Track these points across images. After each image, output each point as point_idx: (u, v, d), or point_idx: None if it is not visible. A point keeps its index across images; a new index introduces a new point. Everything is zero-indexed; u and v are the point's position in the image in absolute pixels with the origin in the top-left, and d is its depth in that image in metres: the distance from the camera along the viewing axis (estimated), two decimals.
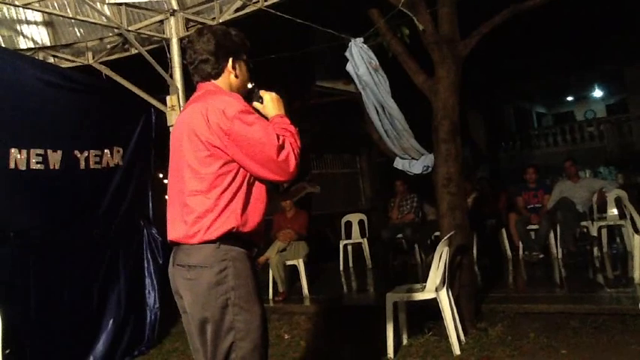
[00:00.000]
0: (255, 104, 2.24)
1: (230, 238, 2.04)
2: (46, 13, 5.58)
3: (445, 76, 4.77)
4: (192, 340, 2.14)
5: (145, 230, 5.38)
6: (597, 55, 14.33)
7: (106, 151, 4.98)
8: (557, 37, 11.39)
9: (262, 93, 2.27)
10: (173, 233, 2.13)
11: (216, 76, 2.21)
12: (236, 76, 2.24)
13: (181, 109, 4.67)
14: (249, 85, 2.31)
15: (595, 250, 7.22)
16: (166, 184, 2.24)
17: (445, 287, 4.24)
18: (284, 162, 2.03)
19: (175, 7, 5.43)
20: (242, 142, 2.02)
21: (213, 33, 2.21)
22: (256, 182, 2.12)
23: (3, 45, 5.90)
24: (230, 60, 2.21)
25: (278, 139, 2.03)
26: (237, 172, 2.07)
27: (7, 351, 3.90)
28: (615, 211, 7.37)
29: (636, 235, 5.60)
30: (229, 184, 2.05)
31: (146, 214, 5.45)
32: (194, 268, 2.05)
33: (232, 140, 2.02)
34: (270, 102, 2.25)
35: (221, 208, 2.04)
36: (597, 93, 22.32)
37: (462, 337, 4.34)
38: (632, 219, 5.91)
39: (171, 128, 3.81)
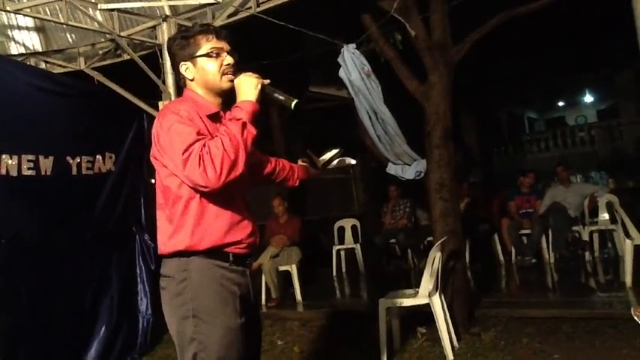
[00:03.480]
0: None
1: (185, 252, 1.99)
2: (37, 18, 5.57)
3: (437, 81, 4.79)
4: None
5: (137, 236, 5.36)
6: (589, 60, 14.43)
7: (98, 156, 4.96)
8: (549, 42, 11.46)
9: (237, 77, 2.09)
10: None
11: (185, 84, 2.15)
12: (192, 78, 2.10)
13: None
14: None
15: (587, 254, 7.26)
16: None
17: (438, 292, 4.24)
18: (191, 175, 1.83)
19: (168, 12, 5.43)
20: (164, 152, 1.93)
21: (168, 49, 2.19)
22: (213, 195, 1.94)
23: None
24: (180, 66, 2.11)
25: (187, 149, 1.83)
26: (180, 185, 1.95)
27: None
28: (607, 216, 7.41)
29: (627, 240, 5.64)
30: (177, 198, 1.97)
31: (138, 221, 5.43)
32: (164, 278, 2.05)
33: (162, 151, 1.95)
34: (237, 89, 2.06)
35: (175, 224, 1.98)
36: (588, 98, 22.48)
37: (455, 343, 4.34)
38: (623, 223, 5.94)
39: None
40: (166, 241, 2.01)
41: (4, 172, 4.14)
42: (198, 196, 1.95)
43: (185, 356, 1.98)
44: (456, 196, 4.97)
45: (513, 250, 7.69)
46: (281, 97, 2.10)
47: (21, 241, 4.25)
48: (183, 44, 2.10)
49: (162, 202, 2.04)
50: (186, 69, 2.10)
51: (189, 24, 5.48)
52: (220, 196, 1.96)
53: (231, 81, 2.08)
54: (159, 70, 5.40)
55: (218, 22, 5.33)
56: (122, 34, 5.51)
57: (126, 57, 5.88)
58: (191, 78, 2.10)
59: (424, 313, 4.25)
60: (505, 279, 7.22)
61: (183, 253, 1.98)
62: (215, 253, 2.00)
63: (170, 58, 2.19)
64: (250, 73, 2.08)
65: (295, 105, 2.09)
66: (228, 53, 2.10)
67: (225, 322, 1.97)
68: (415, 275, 7.42)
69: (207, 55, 2.07)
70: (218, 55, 2.08)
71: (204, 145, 1.85)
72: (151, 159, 2.04)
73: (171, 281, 2.01)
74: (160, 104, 5.34)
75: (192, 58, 2.09)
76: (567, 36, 10.97)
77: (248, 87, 2.03)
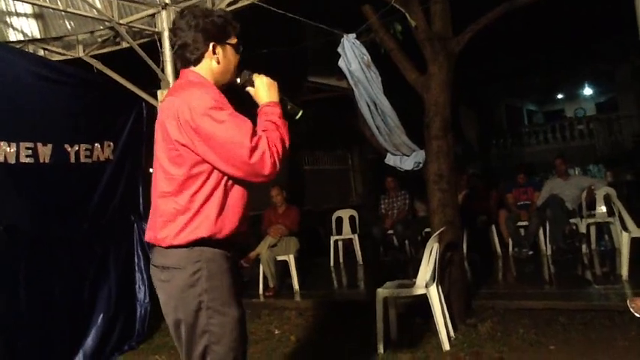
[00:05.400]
0: (249, 89, 2.10)
1: (203, 241, 1.93)
2: (36, 5, 5.53)
3: (437, 72, 4.78)
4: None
5: (135, 225, 5.36)
6: (588, 54, 14.40)
7: (96, 145, 4.95)
8: (550, 35, 11.43)
9: (255, 77, 2.09)
10: (148, 233, 2.04)
11: (196, 62, 2.04)
12: (218, 62, 2.04)
13: None
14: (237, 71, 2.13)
15: (584, 247, 7.29)
16: None
17: (435, 283, 4.26)
18: (258, 164, 1.84)
19: (167, 0, 5.40)
20: (211, 142, 1.85)
21: (193, 14, 2.02)
22: (235, 185, 1.96)
23: None
24: (211, 45, 2.02)
25: (252, 138, 1.84)
26: (209, 174, 1.91)
27: None
28: (604, 209, 7.42)
29: (624, 233, 5.65)
30: (200, 187, 1.91)
31: (137, 209, 5.42)
32: (167, 269, 1.96)
33: (201, 139, 1.86)
34: (261, 87, 2.06)
35: (193, 213, 1.91)
36: (587, 91, 22.42)
37: (452, 333, 4.36)
38: (620, 216, 5.95)
39: None
40: (178, 232, 1.92)
41: (2, 159, 4.14)
42: (222, 184, 1.94)
43: (195, 349, 1.94)
44: (454, 187, 4.98)
45: (510, 242, 7.72)
46: (288, 106, 2.15)
47: (18, 230, 4.24)
48: (219, 26, 2.04)
49: (169, 191, 1.95)
50: (218, 51, 2.04)
51: None
52: (243, 186, 1.99)
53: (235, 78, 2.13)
54: (158, 59, 5.38)
55: None
56: (121, 21, 5.48)
57: (125, 45, 5.85)
58: (218, 61, 2.05)
59: (421, 303, 4.27)
60: (502, 270, 7.24)
61: (198, 243, 1.92)
62: (226, 243, 1.98)
63: (192, 27, 2.00)
64: (263, 75, 2.11)
65: (300, 116, 2.16)
66: None
67: (235, 313, 1.97)
68: (412, 266, 7.44)
69: (237, 47, 2.10)
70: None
71: (267, 137, 1.89)
72: (177, 146, 1.92)
73: (180, 273, 1.93)
74: (159, 93, 5.32)
75: (225, 44, 2.07)
76: (566, 29, 10.95)
77: (273, 89, 2.08)
